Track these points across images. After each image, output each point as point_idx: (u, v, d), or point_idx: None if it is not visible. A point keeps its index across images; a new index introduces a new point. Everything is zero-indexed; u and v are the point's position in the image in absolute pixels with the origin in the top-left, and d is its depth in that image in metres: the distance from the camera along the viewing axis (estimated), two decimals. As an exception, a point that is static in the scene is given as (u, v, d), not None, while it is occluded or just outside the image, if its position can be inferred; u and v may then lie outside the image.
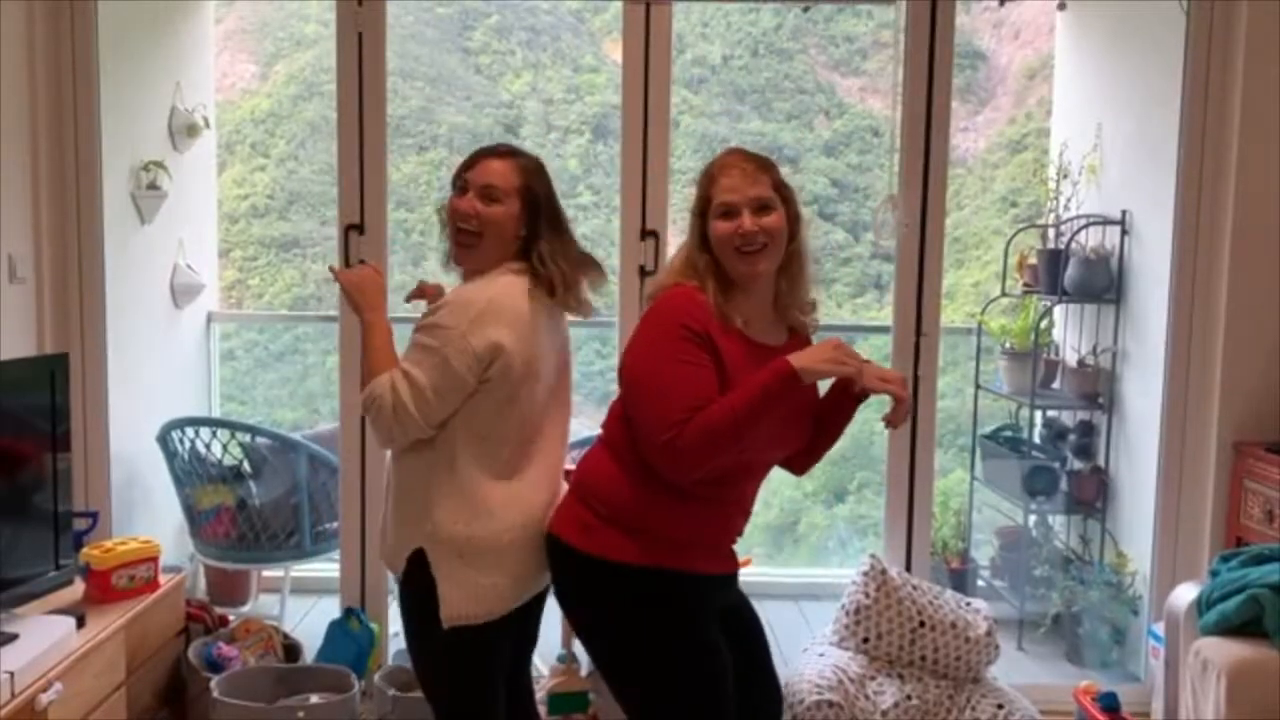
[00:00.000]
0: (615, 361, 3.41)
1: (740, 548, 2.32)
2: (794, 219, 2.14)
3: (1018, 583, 4.17)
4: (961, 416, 4.93)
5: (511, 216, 2.22)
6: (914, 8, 3.47)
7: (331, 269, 2.41)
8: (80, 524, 3.28)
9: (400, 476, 2.27)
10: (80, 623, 2.82)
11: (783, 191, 2.13)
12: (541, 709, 3.22)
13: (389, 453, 2.32)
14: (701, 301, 2.08)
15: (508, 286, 2.20)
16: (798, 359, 1.98)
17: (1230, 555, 3.10)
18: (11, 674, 2.45)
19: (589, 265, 2.32)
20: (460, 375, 2.12)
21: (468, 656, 2.26)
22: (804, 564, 5.85)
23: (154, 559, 3.18)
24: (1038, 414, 4.27)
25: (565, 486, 2.30)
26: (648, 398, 2.03)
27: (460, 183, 2.24)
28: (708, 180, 2.14)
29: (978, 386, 4.38)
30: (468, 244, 2.23)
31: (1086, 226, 4.03)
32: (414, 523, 2.22)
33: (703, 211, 2.13)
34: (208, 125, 4.39)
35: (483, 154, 2.27)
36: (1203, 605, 3.02)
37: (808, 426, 2.21)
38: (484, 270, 2.23)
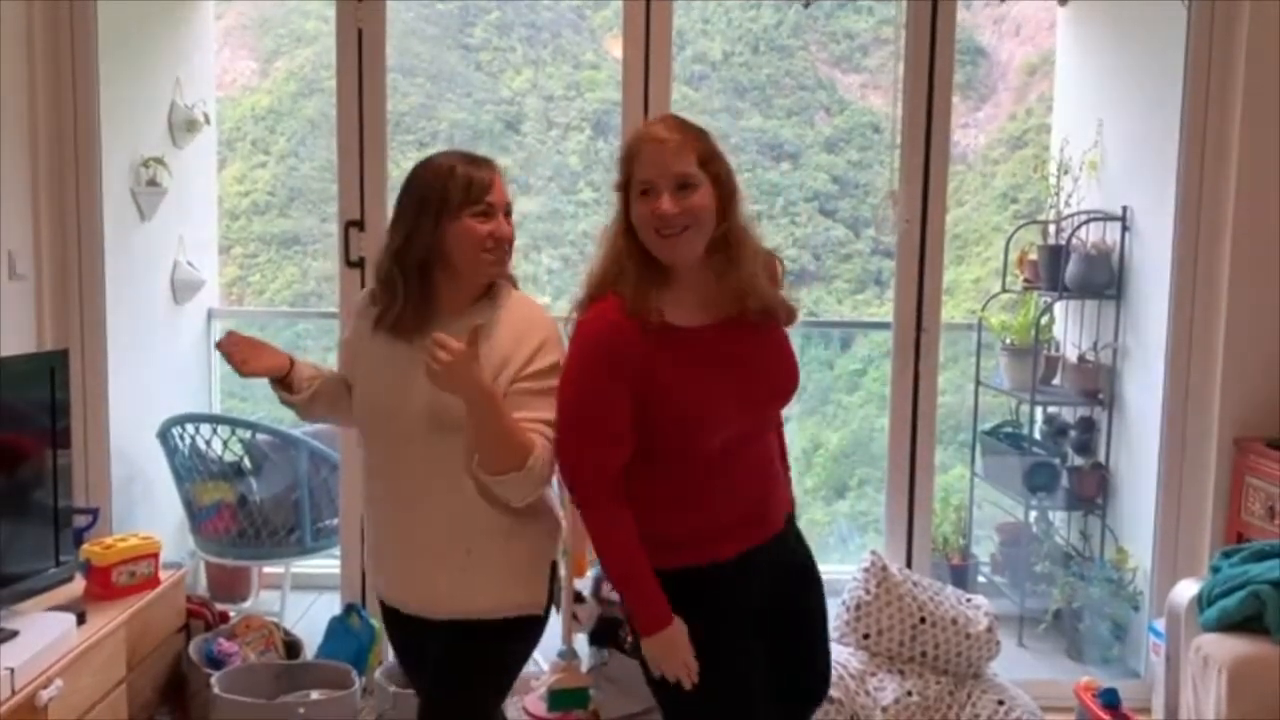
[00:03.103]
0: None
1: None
2: (727, 195, 1.94)
3: (1018, 579, 4.17)
4: (962, 413, 4.93)
5: None
6: (915, 4, 3.46)
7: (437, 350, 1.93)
8: (80, 520, 3.28)
9: (469, 507, 2.11)
10: (81, 619, 2.82)
11: (711, 166, 1.92)
12: (542, 704, 3.24)
13: (462, 504, 2.11)
14: (615, 326, 1.90)
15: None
16: (647, 646, 1.97)
17: (1231, 551, 3.11)
18: (12, 670, 2.45)
19: None
20: None
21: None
22: (805, 560, 5.84)
23: (154, 555, 3.18)
24: (1038, 410, 4.27)
25: None
26: (560, 424, 1.99)
27: (482, 208, 2.12)
28: (628, 154, 1.94)
29: (978, 383, 4.37)
30: (503, 256, 2.18)
31: (1087, 222, 4.02)
32: (508, 556, 2.15)
33: (626, 188, 1.95)
34: (208, 121, 4.39)
35: (491, 173, 2.17)
36: (1204, 601, 3.02)
37: (775, 380, 2.05)
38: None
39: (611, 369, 1.90)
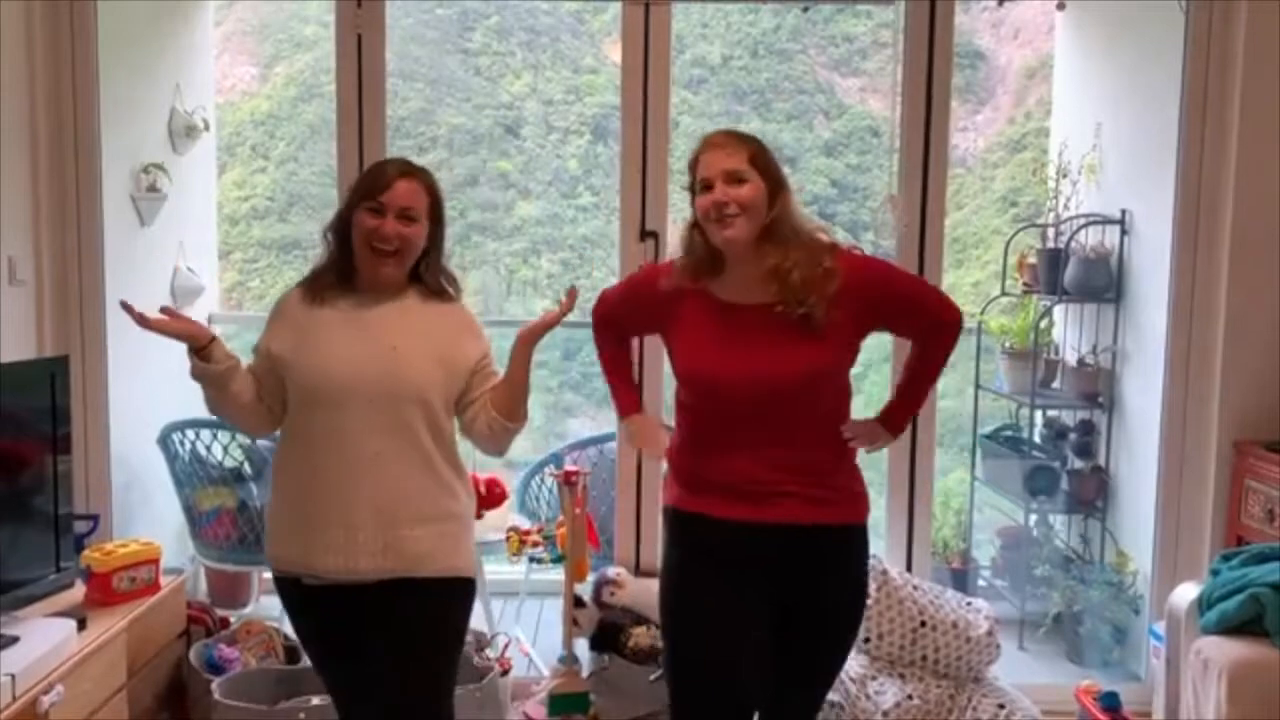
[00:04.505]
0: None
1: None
2: (775, 190, 2.23)
3: (1019, 582, 4.17)
4: (962, 416, 4.93)
5: (422, 235, 2.31)
6: (913, 7, 3.47)
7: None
8: (81, 526, 3.28)
9: (422, 468, 2.29)
10: (81, 625, 2.82)
11: (760, 165, 2.23)
12: (542, 709, 3.24)
13: (394, 450, 2.25)
14: (656, 269, 2.44)
15: None
16: (624, 425, 2.50)
17: (1231, 554, 3.11)
18: (13, 676, 2.45)
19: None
20: None
21: None
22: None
23: (155, 561, 3.18)
24: (1038, 414, 4.27)
25: None
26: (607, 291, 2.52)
27: (374, 204, 2.25)
28: (694, 162, 2.30)
29: (978, 386, 4.38)
30: (391, 256, 2.28)
31: (1086, 226, 4.03)
32: (450, 519, 2.31)
33: (693, 189, 2.29)
34: (207, 127, 4.39)
35: (392, 174, 2.28)
36: (1203, 604, 3.02)
37: (781, 357, 2.20)
38: (402, 282, 2.32)
39: (633, 289, 2.44)
